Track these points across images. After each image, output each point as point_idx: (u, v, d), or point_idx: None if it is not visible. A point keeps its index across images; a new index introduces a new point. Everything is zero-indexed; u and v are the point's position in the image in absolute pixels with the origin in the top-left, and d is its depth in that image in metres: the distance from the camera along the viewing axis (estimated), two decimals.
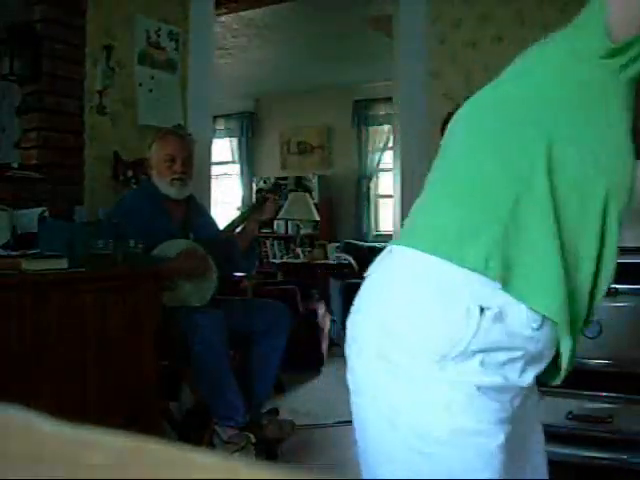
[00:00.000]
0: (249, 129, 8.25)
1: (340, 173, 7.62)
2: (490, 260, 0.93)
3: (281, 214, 6.45)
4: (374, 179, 7.44)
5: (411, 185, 3.71)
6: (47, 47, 2.87)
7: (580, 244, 1.01)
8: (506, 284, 0.93)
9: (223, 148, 8.30)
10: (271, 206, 3.01)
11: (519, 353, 0.97)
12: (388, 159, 6.94)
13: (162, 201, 2.83)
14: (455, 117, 1.18)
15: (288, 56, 6.37)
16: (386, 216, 7.10)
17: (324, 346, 4.82)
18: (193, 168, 2.93)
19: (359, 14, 4.99)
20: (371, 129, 7.44)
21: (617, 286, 2.48)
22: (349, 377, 1.04)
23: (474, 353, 0.93)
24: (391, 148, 4.49)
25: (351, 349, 1.04)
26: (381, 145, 7.33)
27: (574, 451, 2.43)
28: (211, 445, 2.61)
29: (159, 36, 3.44)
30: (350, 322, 1.06)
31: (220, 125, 8.25)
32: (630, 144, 0.98)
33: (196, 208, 3.02)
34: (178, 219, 2.87)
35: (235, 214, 3.31)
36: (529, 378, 1.00)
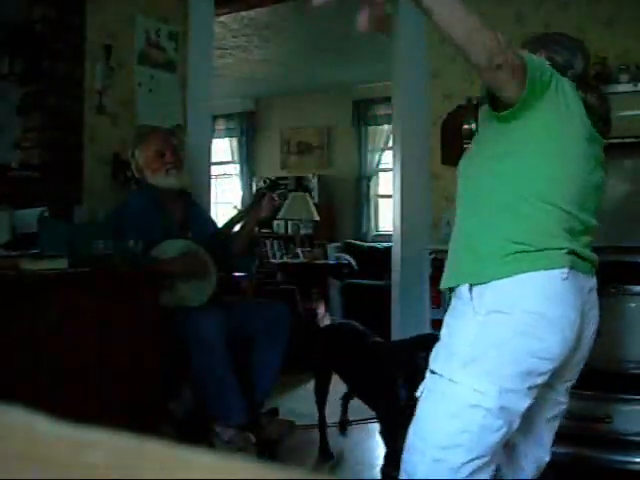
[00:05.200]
0: (249, 129, 8.24)
1: (340, 173, 7.62)
2: None
3: (281, 214, 6.45)
4: (374, 179, 7.44)
5: (411, 185, 3.71)
6: (47, 47, 2.87)
7: None
8: None
9: (223, 148, 8.30)
10: (268, 204, 3.00)
11: None
12: (388, 159, 6.93)
13: (161, 201, 2.82)
14: None
15: (288, 56, 6.37)
16: (386, 216, 7.09)
17: None
18: (183, 158, 2.96)
19: (359, 14, 4.99)
20: (371, 129, 7.44)
21: (619, 286, 2.47)
22: None
23: None
24: (391, 148, 4.49)
25: None
26: (381, 145, 7.33)
27: (574, 451, 2.43)
28: (211, 445, 2.61)
29: (159, 36, 3.44)
30: None
31: (220, 125, 8.24)
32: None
33: (194, 207, 3.02)
34: (177, 218, 2.87)
35: (233, 213, 3.31)
36: None
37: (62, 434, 0.27)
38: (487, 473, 1.38)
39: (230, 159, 8.38)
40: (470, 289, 1.43)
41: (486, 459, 1.36)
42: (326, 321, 5.08)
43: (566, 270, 1.39)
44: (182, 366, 2.66)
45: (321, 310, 4.97)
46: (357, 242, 6.90)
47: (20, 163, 2.84)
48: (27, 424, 0.27)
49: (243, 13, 4.89)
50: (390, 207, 4.13)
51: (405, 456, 1.42)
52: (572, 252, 1.43)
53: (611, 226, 3.14)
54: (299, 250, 6.57)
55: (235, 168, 8.36)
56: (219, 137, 8.19)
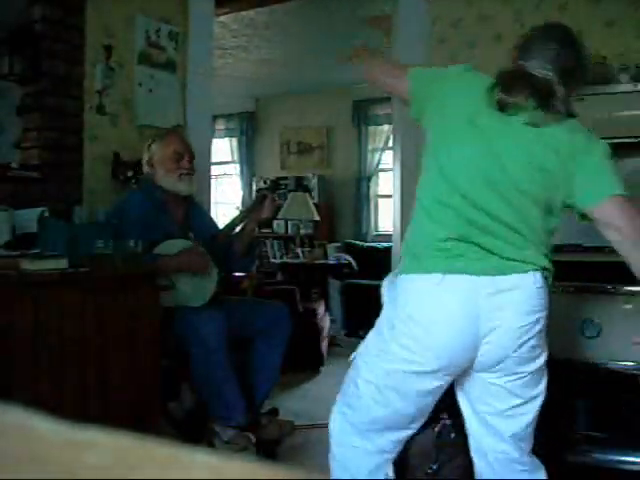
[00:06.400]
0: (249, 129, 8.24)
1: (340, 173, 7.62)
2: None
3: (281, 214, 6.45)
4: (374, 179, 7.44)
5: (411, 185, 3.71)
6: (47, 47, 2.87)
7: None
8: None
9: (223, 148, 8.30)
10: (270, 205, 3.00)
11: None
12: (388, 159, 6.93)
13: (163, 201, 2.82)
14: None
15: (288, 56, 6.37)
16: (386, 216, 7.10)
17: (324, 346, 4.82)
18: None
19: (359, 13, 4.99)
20: (371, 129, 7.43)
21: (617, 286, 2.47)
22: None
23: None
24: (391, 148, 4.49)
25: None
26: (381, 145, 7.33)
27: (574, 451, 2.43)
28: (211, 445, 2.61)
29: (159, 36, 3.44)
30: None
31: (220, 125, 8.24)
32: None
33: (195, 208, 3.02)
34: (178, 219, 2.87)
35: (235, 214, 3.30)
36: None
37: (62, 434, 0.27)
38: (387, 436, 1.62)
39: (230, 159, 8.39)
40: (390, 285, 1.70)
41: (377, 426, 1.60)
42: (326, 322, 5.09)
43: (439, 275, 1.48)
44: (182, 366, 2.67)
45: (321, 310, 4.97)
46: (357, 242, 6.91)
47: (20, 163, 2.84)
48: (27, 424, 0.27)
49: (243, 13, 4.89)
50: (390, 207, 4.13)
51: None
52: (466, 250, 1.49)
53: None
54: (299, 250, 6.57)
55: (235, 168, 8.36)
56: (219, 137, 8.19)
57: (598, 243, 2.90)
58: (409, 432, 1.64)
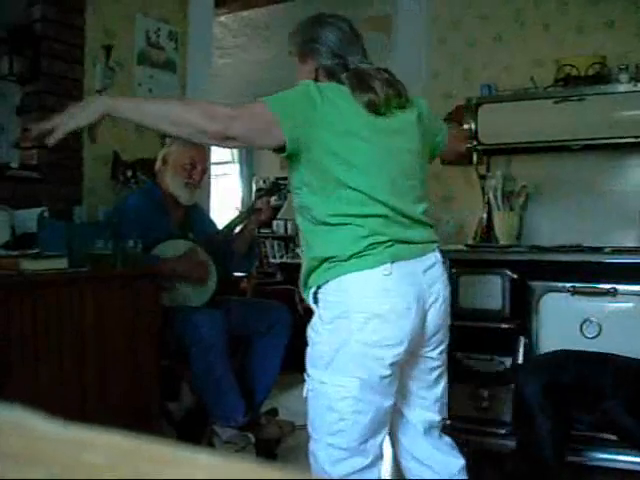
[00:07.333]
0: None
1: None
2: None
3: (280, 214, 6.44)
4: None
5: None
6: (46, 47, 2.87)
7: None
8: None
9: (223, 148, 8.30)
10: (268, 207, 3.00)
11: None
12: None
13: (164, 202, 2.82)
14: None
15: (288, 56, 6.37)
16: None
17: None
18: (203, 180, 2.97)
19: (359, 14, 4.99)
20: None
21: (617, 286, 2.47)
22: None
23: None
24: None
25: None
26: None
27: (574, 450, 2.43)
28: (210, 445, 2.61)
29: (159, 36, 3.44)
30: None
31: None
32: None
33: (195, 209, 3.01)
34: (178, 219, 2.87)
35: (234, 214, 3.30)
36: None
37: (62, 434, 0.27)
38: (376, 440, 1.60)
39: (230, 159, 8.38)
40: (314, 298, 1.61)
41: (367, 434, 1.58)
42: None
43: (388, 266, 1.54)
44: (182, 366, 2.66)
45: None
46: None
47: (20, 163, 2.84)
48: (26, 423, 0.27)
49: (243, 13, 4.90)
50: None
51: (309, 445, 1.65)
52: (397, 242, 1.56)
53: (611, 226, 3.14)
54: (299, 250, 6.56)
55: (235, 168, 8.36)
56: None
57: (598, 243, 2.90)
58: (386, 430, 1.66)
